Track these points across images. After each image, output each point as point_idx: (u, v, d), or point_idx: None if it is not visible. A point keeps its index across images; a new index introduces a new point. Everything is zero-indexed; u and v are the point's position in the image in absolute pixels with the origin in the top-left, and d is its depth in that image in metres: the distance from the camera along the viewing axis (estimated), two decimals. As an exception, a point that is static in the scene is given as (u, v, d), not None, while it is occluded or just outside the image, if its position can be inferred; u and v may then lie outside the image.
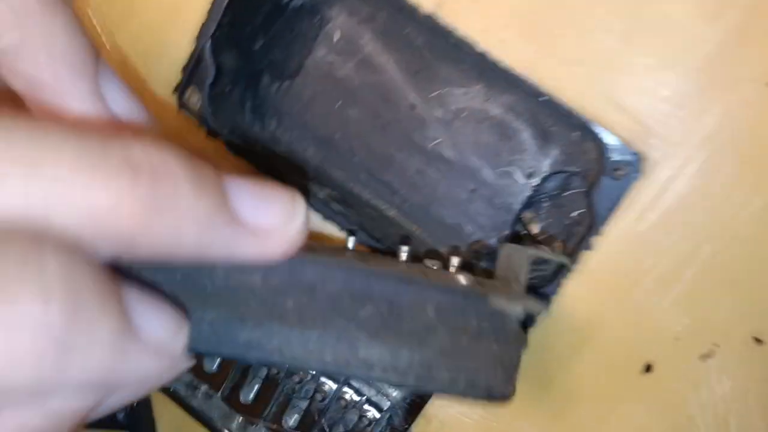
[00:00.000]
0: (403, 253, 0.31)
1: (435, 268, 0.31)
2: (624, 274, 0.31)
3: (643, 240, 0.31)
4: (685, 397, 0.31)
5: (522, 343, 0.26)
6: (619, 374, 0.32)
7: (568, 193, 0.36)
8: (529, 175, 0.36)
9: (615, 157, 0.31)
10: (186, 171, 0.18)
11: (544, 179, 0.35)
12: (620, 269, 0.31)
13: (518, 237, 0.36)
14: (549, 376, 0.33)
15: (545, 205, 0.36)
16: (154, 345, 0.20)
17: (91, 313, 0.17)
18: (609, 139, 0.31)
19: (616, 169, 0.31)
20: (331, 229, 0.35)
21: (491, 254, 0.35)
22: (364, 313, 0.24)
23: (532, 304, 0.27)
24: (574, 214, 0.35)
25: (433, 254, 0.33)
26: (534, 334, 0.33)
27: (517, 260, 0.30)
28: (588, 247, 0.32)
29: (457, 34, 0.32)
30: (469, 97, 0.36)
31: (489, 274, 0.34)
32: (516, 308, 0.26)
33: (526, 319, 0.32)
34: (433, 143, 0.37)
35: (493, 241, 0.36)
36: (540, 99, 0.32)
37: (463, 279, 0.27)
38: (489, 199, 0.36)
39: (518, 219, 0.36)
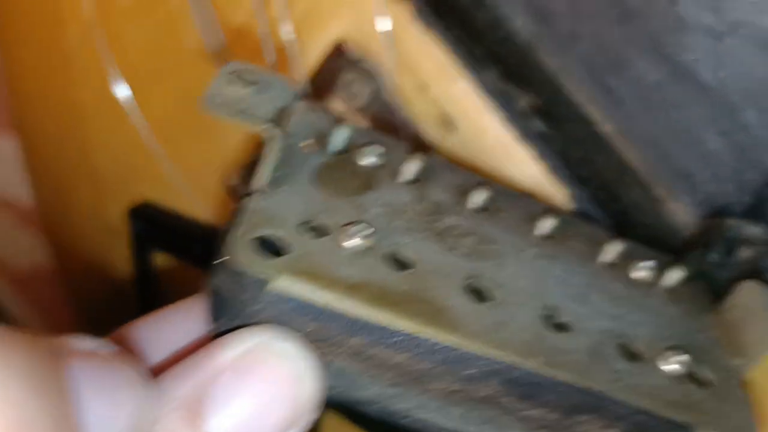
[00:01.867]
0: (609, 254, 0.24)
1: (644, 276, 0.24)
2: None
3: None
4: None
5: None
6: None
7: None
8: (811, 136, 0.26)
9: None
10: None
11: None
12: None
13: (761, 208, 0.27)
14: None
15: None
16: None
17: None
18: None
19: None
20: (524, 155, 0.27)
21: (727, 243, 0.27)
22: (527, 413, 0.19)
23: None
24: None
25: (646, 254, 0.25)
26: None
27: (757, 328, 0.22)
28: None
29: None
30: (760, 8, 0.25)
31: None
32: None
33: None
34: (688, 56, 0.27)
35: (740, 211, 0.27)
36: None
37: (670, 367, 0.20)
38: (742, 149, 0.27)
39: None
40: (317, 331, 0.18)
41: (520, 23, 0.29)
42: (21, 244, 0.61)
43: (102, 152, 0.40)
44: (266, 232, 0.18)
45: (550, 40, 0.29)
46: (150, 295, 0.36)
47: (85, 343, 0.16)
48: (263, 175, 0.19)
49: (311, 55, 0.29)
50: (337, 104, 0.29)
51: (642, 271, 0.24)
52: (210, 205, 0.37)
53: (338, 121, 0.22)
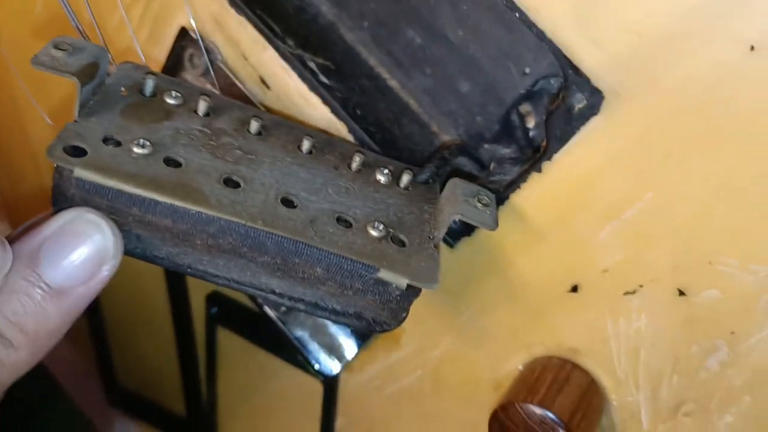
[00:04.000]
0: (354, 163, 0.33)
1: (383, 181, 0.33)
2: (569, 200, 0.32)
3: (592, 174, 0.31)
4: (604, 322, 0.33)
5: (412, 296, 0.29)
6: (549, 287, 0.34)
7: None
8: (524, 73, 0.35)
9: (576, 90, 0.30)
10: None
11: (539, 79, 0.35)
12: (567, 194, 0.32)
13: (509, 133, 0.36)
14: (485, 272, 0.35)
15: (544, 100, 0.35)
16: None
17: None
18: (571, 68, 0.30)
19: (575, 103, 0.31)
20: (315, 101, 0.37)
21: (468, 154, 0.36)
22: (261, 259, 0.28)
23: (422, 274, 0.28)
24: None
25: (387, 164, 0.34)
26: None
27: (448, 208, 0.31)
28: (539, 170, 0.32)
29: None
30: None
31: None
32: (401, 281, 0.28)
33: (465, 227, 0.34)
34: (438, 21, 0.36)
35: (478, 137, 0.36)
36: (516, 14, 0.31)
37: (374, 232, 0.29)
38: (484, 90, 0.36)
39: (515, 111, 0.36)
40: (110, 205, 0.27)
41: (325, 8, 0.39)
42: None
43: (39, 134, 0.50)
44: (73, 143, 0.27)
45: (346, 19, 0.38)
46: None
47: None
48: (75, 109, 0.29)
49: (167, 38, 0.39)
50: (186, 74, 0.38)
51: (379, 175, 0.33)
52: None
53: (150, 74, 0.31)
